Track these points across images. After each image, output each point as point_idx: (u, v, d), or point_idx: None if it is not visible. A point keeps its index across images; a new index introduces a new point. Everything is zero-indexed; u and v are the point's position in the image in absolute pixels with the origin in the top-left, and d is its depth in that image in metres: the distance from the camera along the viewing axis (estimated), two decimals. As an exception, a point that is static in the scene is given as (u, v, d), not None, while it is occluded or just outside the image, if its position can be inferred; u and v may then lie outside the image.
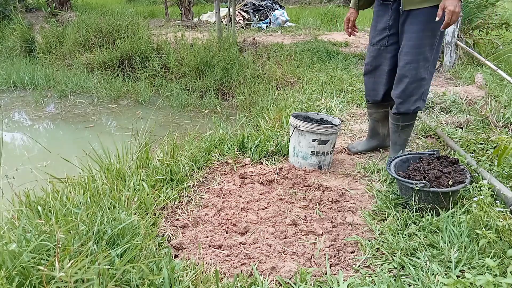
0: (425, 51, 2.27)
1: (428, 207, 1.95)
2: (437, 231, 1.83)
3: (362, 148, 2.84)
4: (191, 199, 2.28)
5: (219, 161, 2.74)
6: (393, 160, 2.24)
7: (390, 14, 2.37)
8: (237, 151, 2.85)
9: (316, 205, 2.21)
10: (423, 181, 1.94)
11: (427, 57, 2.29)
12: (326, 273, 1.66)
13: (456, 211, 1.93)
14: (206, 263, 1.72)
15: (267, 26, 9.06)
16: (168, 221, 2.05)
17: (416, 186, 1.93)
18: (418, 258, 1.68)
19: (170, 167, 2.42)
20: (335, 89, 4.39)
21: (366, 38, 7.17)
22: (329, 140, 2.52)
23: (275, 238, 1.92)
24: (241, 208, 2.16)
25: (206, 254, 1.79)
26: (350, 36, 2.59)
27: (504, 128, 3.10)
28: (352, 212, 2.13)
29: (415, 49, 2.27)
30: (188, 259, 1.74)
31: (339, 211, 2.15)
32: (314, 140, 2.50)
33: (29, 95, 6.05)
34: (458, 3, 2.03)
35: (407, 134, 2.55)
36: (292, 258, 1.76)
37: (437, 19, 2.10)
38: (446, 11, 2.04)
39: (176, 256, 1.78)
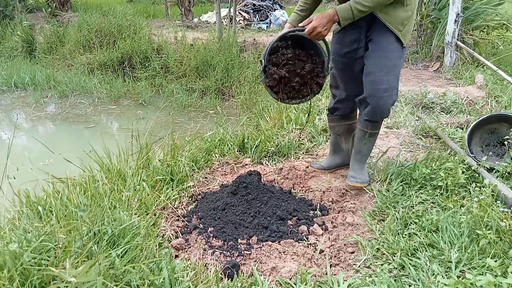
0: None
1: None
2: (437, 231, 1.83)
3: (326, 165, 2.58)
4: (192, 199, 2.28)
5: (219, 161, 2.74)
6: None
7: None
8: (237, 152, 2.85)
9: (316, 205, 2.21)
10: None
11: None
12: (326, 274, 1.66)
13: (456, 211, 1.93)
14: (206, 263, 1.72)
15: (267, 26, 9.05)
16: (169, 221, 2.05)
17: None
18: (419, 258, 1.68)
19: (170, 167, 2.42)
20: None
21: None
22: None
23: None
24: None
25: (206, 254, 1.79)
26: None
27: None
28: (352, 212, 2.13)
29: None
30: (189, 259, 1.74)
31: (339, 211, 2.15)
32: None
33: (30, 96, 6.06)
34: (325, 24, 1.94)
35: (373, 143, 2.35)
36: (292, 258, 1.76)
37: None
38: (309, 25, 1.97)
39: (176, 256, 1.78)
